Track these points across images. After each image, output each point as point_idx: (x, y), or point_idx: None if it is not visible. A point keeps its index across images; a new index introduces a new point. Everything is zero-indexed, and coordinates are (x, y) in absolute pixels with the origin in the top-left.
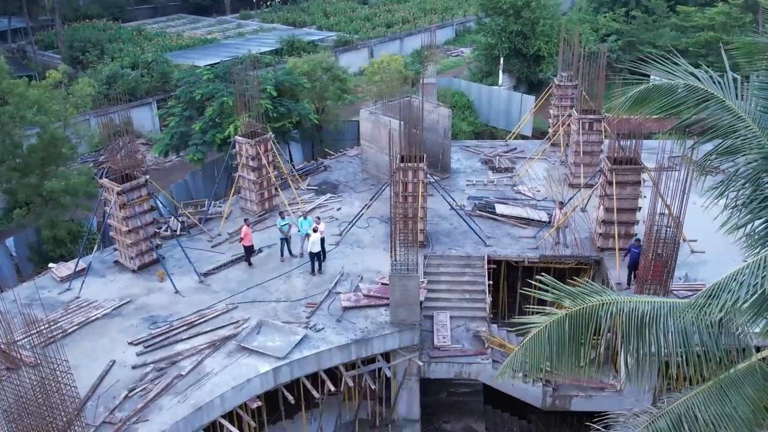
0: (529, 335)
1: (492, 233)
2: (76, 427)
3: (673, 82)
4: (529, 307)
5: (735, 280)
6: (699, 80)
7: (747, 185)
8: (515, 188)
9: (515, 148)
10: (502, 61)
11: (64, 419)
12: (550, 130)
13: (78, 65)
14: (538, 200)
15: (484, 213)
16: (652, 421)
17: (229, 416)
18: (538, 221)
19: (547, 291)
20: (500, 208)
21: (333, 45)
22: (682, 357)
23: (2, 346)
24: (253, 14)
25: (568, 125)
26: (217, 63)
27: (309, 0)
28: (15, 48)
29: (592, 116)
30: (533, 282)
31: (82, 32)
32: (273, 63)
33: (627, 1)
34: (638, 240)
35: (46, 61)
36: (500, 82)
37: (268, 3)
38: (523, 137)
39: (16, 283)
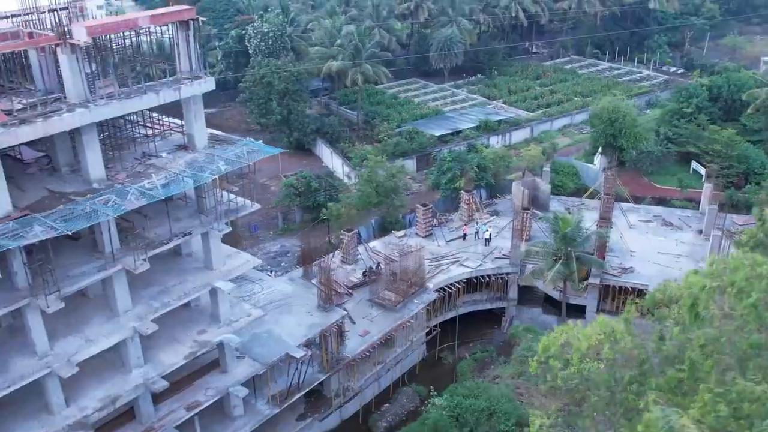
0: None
1: None
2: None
3: None
4: None
5: None
6: None
7: None
8: None
9: (583, 203)
10: (600, 149)
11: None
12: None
13: (368, 124)
14: None
15: None
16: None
17: (456, 284)
18: None
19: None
20: None
21: (508, 125)
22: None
23: (391, 255)
24: (461, 84)
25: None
26: (444, 134)
27: (498, 77)
28: (323, 102)
29: (608, 195)
30: None
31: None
32: (474, 137)
33: (692, 113)
34: None
35: (343, 113)
36: (595, 161)
37: (472, 75)
38: None
39: (372, 238)
